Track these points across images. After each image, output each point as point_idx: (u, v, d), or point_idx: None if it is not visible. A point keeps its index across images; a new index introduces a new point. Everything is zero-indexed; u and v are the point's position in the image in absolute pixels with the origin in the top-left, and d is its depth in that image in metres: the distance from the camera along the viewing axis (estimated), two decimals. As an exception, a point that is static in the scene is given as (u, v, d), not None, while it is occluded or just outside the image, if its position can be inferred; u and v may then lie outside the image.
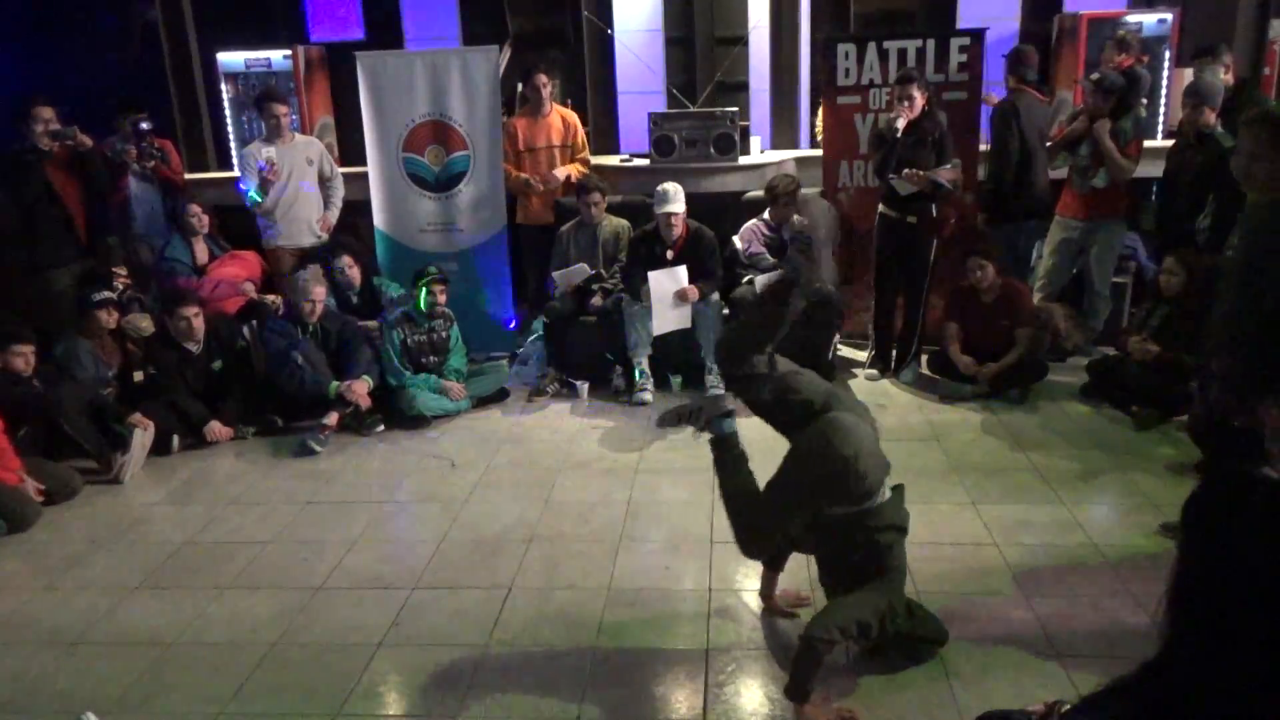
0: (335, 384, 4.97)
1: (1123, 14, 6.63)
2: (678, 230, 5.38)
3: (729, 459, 2.83)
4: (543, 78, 6.00)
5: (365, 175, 6.16)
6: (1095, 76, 5.26)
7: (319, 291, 5.12)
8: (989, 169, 5.71)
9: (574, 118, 6.20)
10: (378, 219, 6.19)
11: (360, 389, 4.99)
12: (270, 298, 5.93)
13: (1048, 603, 3.18)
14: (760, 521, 2.74)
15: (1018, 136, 5.54)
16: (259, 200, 5.67)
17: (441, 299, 5.29)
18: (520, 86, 6.98)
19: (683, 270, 5.29)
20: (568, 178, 6.04)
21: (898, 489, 2.81)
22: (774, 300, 2.81)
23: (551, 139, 6.08)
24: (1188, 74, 5.95)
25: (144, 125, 5.79)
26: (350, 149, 7.11)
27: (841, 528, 2.69)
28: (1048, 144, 5.67)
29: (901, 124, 5.05)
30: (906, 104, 5.05)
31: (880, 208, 5.39)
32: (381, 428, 5.06)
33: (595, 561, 3.59)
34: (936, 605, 3.17)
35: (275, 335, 5.08)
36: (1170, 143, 5.62)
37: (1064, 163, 5.47)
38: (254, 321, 5.57)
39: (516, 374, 5.78)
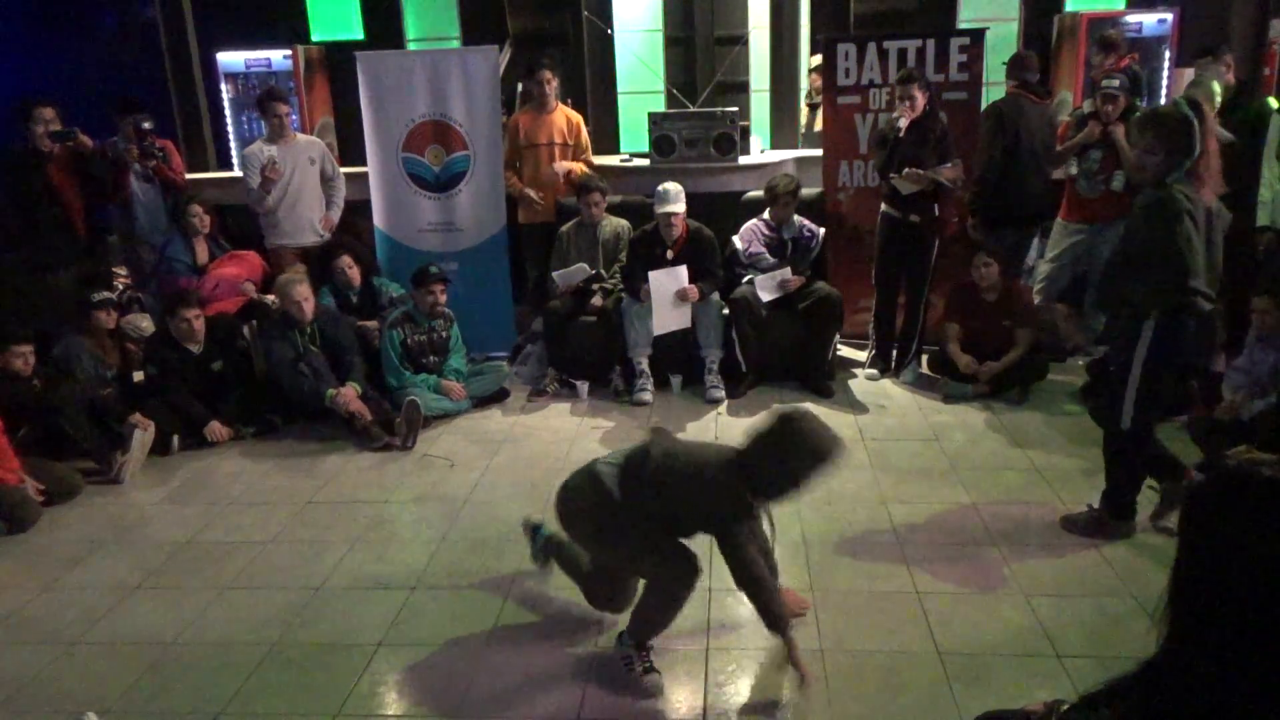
0: (330, 392, 4.89)
1: (1123, 14, 6.63)
2: (677, 230, 5.39)
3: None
4: (548, 74, 5.98)
5: (365, 175, 6.16)
6: (1110, 84, 5.24)
7: (302, 290, 5.03)
8: (976, 172, 5.70)
9: (578, 117, 6.19)
10: (378, 219, 6.19)
11: (348, 395, 4.90)
12: (270, 298, 5.93)
13: (1047, 603, 3.18)
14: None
15: (1000, 142, 5.53)
16: (258, 198, 5.67)
17: (442, 299, 5.29)
18: (519, 85, 7.00)
19: (683, 270, 5.29)
20: (568, 174, 6.03)
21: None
22: None
23: (553, 136, 6.07)
24: (1188, 74, 5.95)
25: (145, 125, 5.79)
26: (350, 149, 7.11)
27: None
28: (1056, 148, 5.66)
29: (904, 124, 5.05)
30: (908, 103, 5.06)
31: (883, 207, 5.39)
32: (385, 440, 4.91)
33: (595, 561, 3.58)
34: (936, 604, 3.18)
35: (280, 343, 5.03)
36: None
37: (1074, 167, 5.46)
38: (254, 321, 5.57)
39: (516, 374, 5.78)
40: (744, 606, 3.22)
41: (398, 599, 3.38)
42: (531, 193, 6.02)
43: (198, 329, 4.99)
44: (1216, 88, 5.08)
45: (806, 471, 2.59)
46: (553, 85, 6.03)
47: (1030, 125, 5.61)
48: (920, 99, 5.08)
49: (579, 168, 6.06)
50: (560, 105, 6.15)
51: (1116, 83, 5.24)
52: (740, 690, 2.82)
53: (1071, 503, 3.90)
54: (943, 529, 3.74)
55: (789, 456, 2.60)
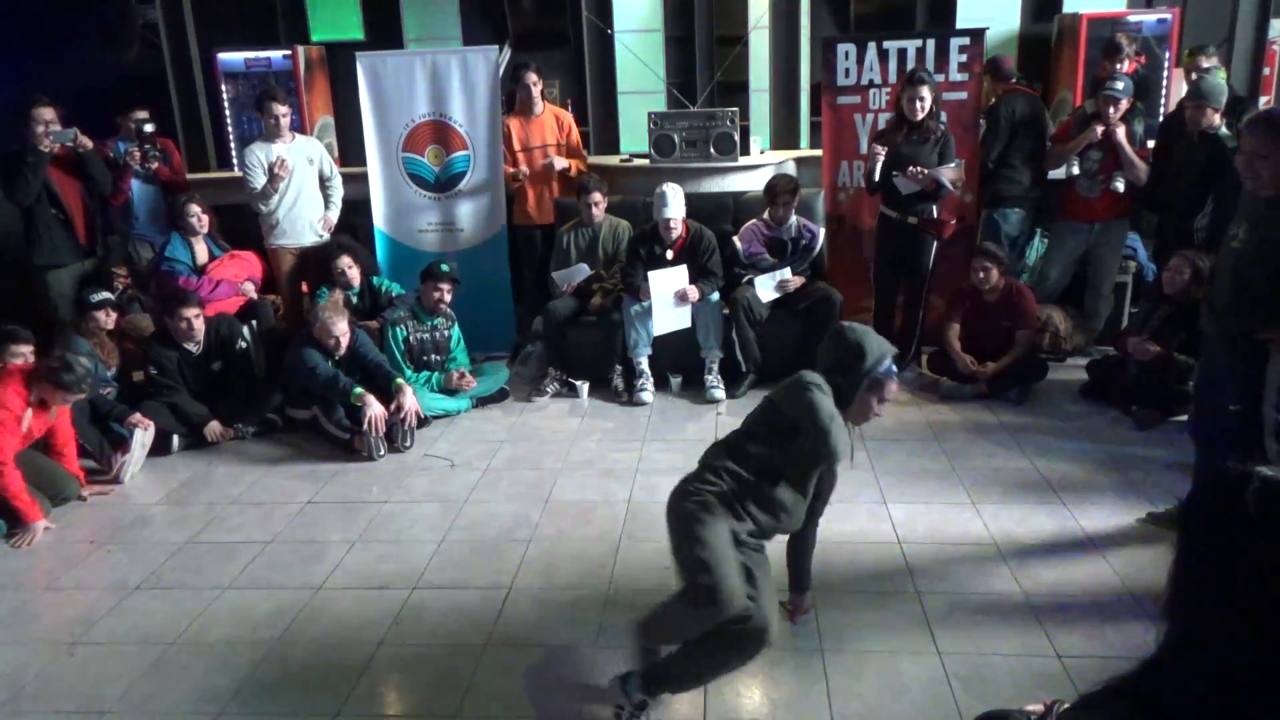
0: (358, 390, 4.79)
1: (1123, 14, 6.62)
2: (677, 232, 5.39)
3: None
4: (533, 76, 6.01)
5: (365, 175, 6.16)
6: (1113, 86, 5.25)
7: (342, 327, 4.89)
8: (984, 154, 5.77)
9: (568, 117, 6.21)
10: (378, 219, 6.19)
11: (374, 401, 4.73)
12: (271, 298, 5.93)
13: (1048, 602, 3.18)
14: None
15: (1006, 128, 5.63)
16: (264, 195, 5.65)
17: (448, 297, 5.31)
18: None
19: (683, 270, 5.30)
20: (566, 170, 6.05)
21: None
22: None
23: (546, 138, 6.09)
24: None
25: (147, 128, 5.79)
26: (350, 149, 7.11)
27: None
28: (1049, 144, 5.69)
29: (886, 150, 5.14)
30: (918, 104, 5.07)
31: (881, 208, 5.40)
32: (410, 443, 4.83)
33: (595, 561, 3.59)
34: (936, 604, 3.18)
35: (313, 350, 4.88)
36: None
37: (1075, 167, 5.47)
38: (254, 321, 5.56)
39: (516, 374, 5.78)
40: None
41: (398, 599, 3.38)
42: (513, 170, 6.05)
43: (197, 329, 4.99)
44: (1223, 83, 5.07)
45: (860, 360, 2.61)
46: (538, 87, 6.04)
47: (1027, 113, 5.68)
48: (929, 99, 5.09)
49: (576, 165, 6.06)
50: (549, 105, 6.17)
51: (1120, 85, 5.25)
52: (740, 691, 2.82)
53: (1071, 503, 3.91)
54: (942, 529, 3.74)
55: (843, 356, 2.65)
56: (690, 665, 2.59)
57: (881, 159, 5.20)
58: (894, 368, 2.67)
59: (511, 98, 6.65)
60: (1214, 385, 3.36)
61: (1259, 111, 3.33)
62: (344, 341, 4.92)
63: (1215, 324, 3.32)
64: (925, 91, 5.08)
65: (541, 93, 6.11)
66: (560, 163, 6.05)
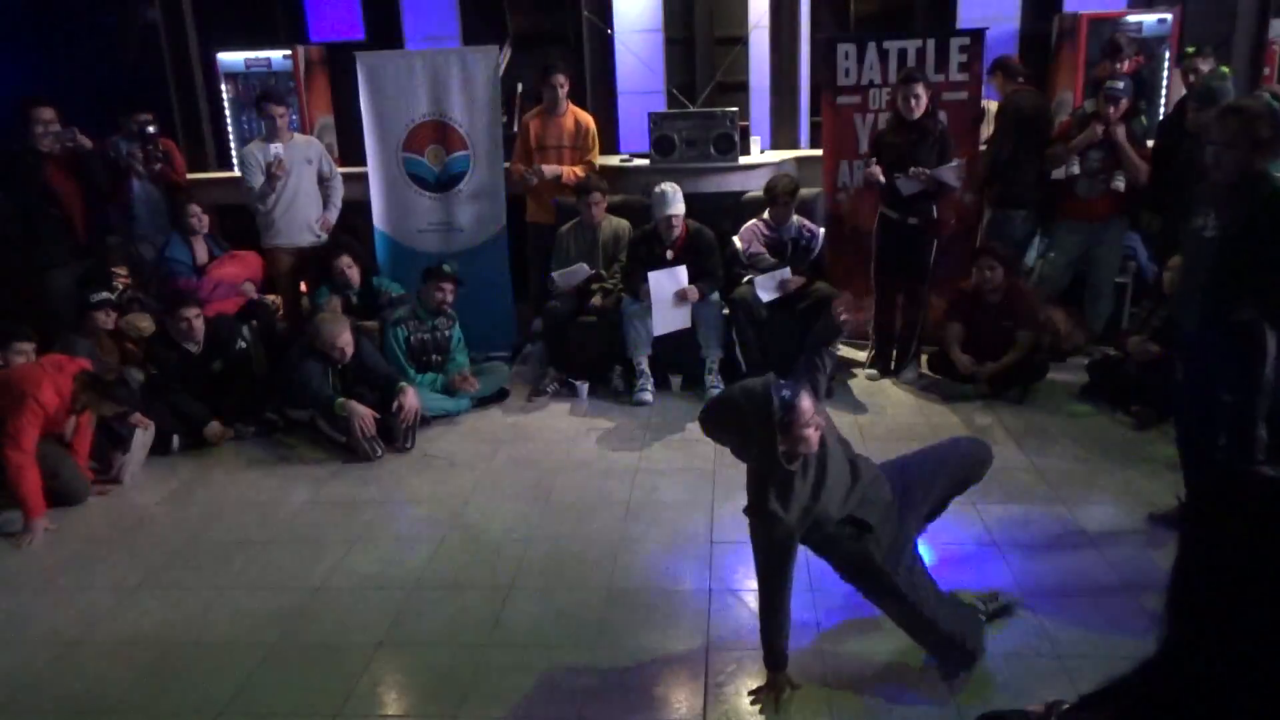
0: (340, 400, 4.77)
1: (1123, 14, 6.63)
2: (677, 231, 5.39)
3: None
4: (560, 77, 5.98)
5: (365, 175, 6.16)
6: (1114, 85, 5.26)
7: (345, 338, 4.84)
8: (991, 156, 5.76)
9: (588, 119, 6.17)
10: (378, 219, 6.19)
11: (356, 408, 4.72)
12: (270, 298, 5.93)
13: (1048, 602, 3.17)
14: None
15: (1013, 127, 5.62)
16: (262, 195, 5.64)
17: (450, 298, 5.32)
18: (519, 85, 6.99)
19: (683, 270, 5.30)
20: (562, 176, 6.03)
21: None
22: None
23: (563, 139, 6.07)
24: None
25: (150, 129, 5.80)
26: (350, 149, 7.11)
27: None
28: (1050, 145, 5.68)
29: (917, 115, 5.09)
30: (913, 102, 5.07)
31: (881, 208, 5.40)
32: (382, 453, 4.77)
33: (595, 561, 3.59)
34: (936, 605, 3.18)
35: (312, 363, 4.85)
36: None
37: (1075, 167, 5.47)
38: (254, 321, 5.56)
39: (516, 374, 5.78)
40: (744, 606, 3.23)
41: (398, 599, 3.38)
42: (524, 168, 6.00)
43: (197, 329, 4.99)
44: (1229, 84, 5.06)
45: (758, 428, 2.53)
46: (565, 88, 6.02)
47: (1034, 113, 5.68)
48: (924, 96, 5.09)
49: (571, 171, 6.01)
50: (572, 107, 6.15)
51: (1120, 84, 5.25)
52: (740, 690, 2.82)
53: (1071, 503, 3.91)
54: (943, 529, 3.72)
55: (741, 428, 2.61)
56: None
57: (878, 173, 5.22)
58: (786, 392, 2.53)
59: (512, 97, 6.64)
60: (1206, 379, 3.32)
61: (1226, 104, 3.35)
62: (348, 352, 4.86)
63: (1196, 315, 3.31)
64: (919, 89, 5.08)
65: (567, 94, 6.09)
66: (551, 171, 5.99)
